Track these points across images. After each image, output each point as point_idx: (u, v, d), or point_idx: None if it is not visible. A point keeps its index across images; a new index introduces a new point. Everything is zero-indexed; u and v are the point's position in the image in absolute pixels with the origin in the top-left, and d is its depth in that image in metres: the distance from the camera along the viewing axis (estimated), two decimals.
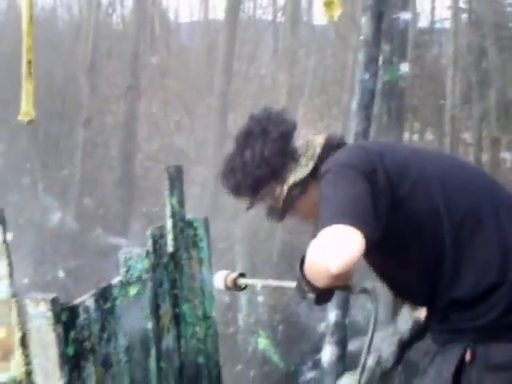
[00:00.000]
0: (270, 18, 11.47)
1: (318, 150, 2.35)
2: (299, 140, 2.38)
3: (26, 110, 3.27)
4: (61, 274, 5.19)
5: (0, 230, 2.72)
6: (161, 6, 9.51)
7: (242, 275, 2.90)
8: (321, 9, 3.35)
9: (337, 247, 1.97)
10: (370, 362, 2.44)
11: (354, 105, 3.44)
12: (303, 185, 2.34)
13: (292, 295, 4.10)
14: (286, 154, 2.35)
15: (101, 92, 5.75)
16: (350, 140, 3.53)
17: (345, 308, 3.32)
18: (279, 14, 10.71)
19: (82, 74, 5.68)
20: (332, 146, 2.38)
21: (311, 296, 2.26)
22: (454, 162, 2.34)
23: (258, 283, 2.88)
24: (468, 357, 2.10)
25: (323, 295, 2.27)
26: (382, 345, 2.47)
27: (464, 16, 11.96)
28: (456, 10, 9.77)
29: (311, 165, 2.34)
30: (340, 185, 2.13)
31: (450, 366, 2.13)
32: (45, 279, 4.82)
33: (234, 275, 2.89)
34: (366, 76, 3.46)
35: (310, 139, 2.40)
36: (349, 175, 2.13)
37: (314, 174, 2.33)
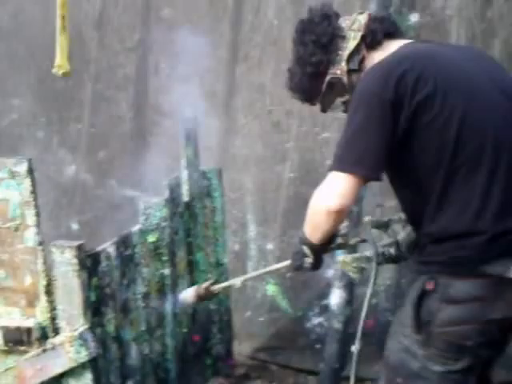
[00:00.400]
0: None
1: (364, 21, 2.42)
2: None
3: (61, 63, 3.38)
4: (75, 226, 5.29)
5: (28, 181, 2.86)
6: None
7: (214, 283, 3.00)
8: None
9: (334, 192, 2.21)
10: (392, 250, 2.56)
11: None
12: (359, 55, 2.40)
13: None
14: (334, 33, 2.42)
15: (110, 46, 5.81)
16: None
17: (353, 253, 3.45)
18: None
19: (90, 27, 5.71)
20: (377, 19, 2.46)
21: (309, 261, 2.45)
22: (481, 78, 2.31)
23: (235, 282, 2.93)
24: (429, 287, 2.29)
25: (320, 256, 2.47)
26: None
27: None
28: None
29: (359, 35, 2.40)
30: (358, 118, 2.23)
31: (413, 293, 2.33)
32: (59, 232, 4.93)
33: (206, 284, 2.98)
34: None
35: (353, 16, 2.46)
36: (370, 106, 2.21)
37: (369, 43, 2.40)
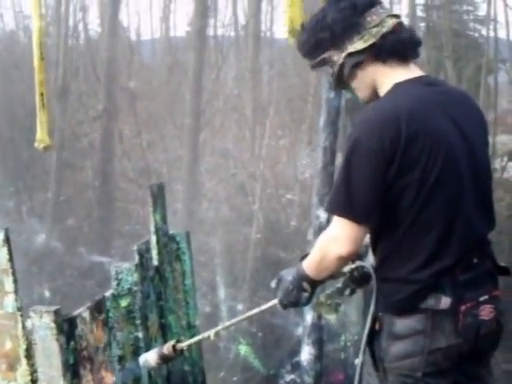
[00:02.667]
0: (232, 34, 11.57)
1: (385, 30, 2.43)
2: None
3: (41, 137, 3.54)
4: (46, 293, 5.33)
5: (5, 249, 2.93)
6: (123, 25, 9.67)
7: (178, 341, 2.93)
8: (284, 33, 3.55)
9: (345, 239, 2.34)
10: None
11: (322, 121, 3.66)
12: (359, 58, 2.44)
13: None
14: (350, 25, 2.45)
15: (74, 115, 5.93)
16: (319, 154, 3.74)
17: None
18: (241, 32, 10.85)
19: (54, 98, 5.83)
20: (399, 34, 2.45)
21: (306, 295, 2.54)
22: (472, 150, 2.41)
23: (209, 334, 2.85)
24: (377, 327, 2.45)
25: (315, 289, 2.55)
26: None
27: (422, 25, 12.17)
28: (414, 20, 9.87)
29: (371, 41, 2.42)
30: (355, 169, 2.32)
31: (365, 332, 2.49)
32: (32, 299, 4.96)
33: (169, 344, 2.92)
34: (332, 94, 3.67)
35: (382, 18, 2.46)
36: (367, 161, 2.31)
37: (374, 53, 2.43)
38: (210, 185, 5.25)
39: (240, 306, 4.62)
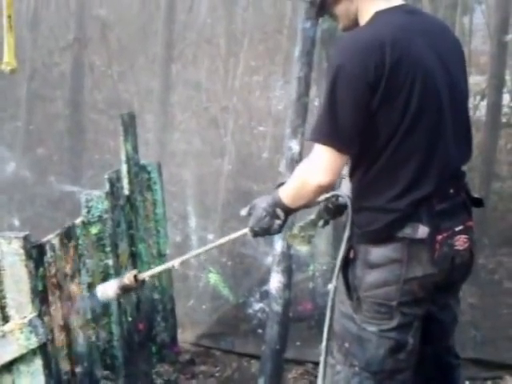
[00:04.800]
0: None
1: None
2: None
3: (8, 60, 3.49)
4: (16, 222, 5.32)
5: None
6: None
7: (139, 272, 2.83)
8: None
9: (325, 169, 2.34)
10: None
11: (297, 51, 3.61)
12: None
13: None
14: None
15: (45, 45, 5.84)
16: (293, 85, 3.71)
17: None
18: None
19: (25, 28, 5.74)
20: None
21: (278, 223, 2.54)
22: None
23: (172, 263, 2.77)
24: (351, 255, 2.49)
25: (287, 218, 2.56)
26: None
27: None
28: None
29: None
30: (337, 95, 2.31)
31: (339, 262, 2.51)
32: (2, 229, 4.95)
33: (129, 275, 2.80)
34: (307, 24, 3.62)
35: None
36: (350, 86, 2.30)
37: None
38: (181, 117, 5.21)
39: (210, 236, 4.65)
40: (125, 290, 2.80)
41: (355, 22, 2.51)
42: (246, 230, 2.66)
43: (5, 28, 3.44)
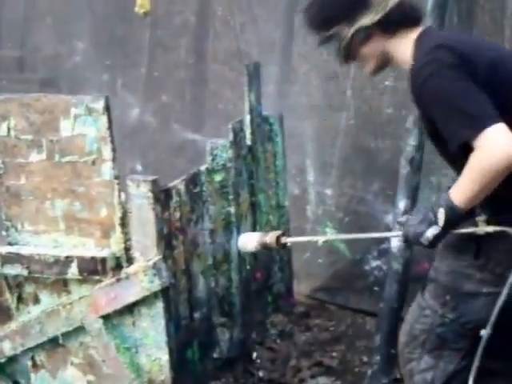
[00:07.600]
0: None
1: (391, 4, 2.45)
2: None
3: (141, 2, 3.54)
4: (138, 167, 5.44)
5: (105, 118, 2.97)
6: None
7: (283, 234, 2.69)
8: None
9: (496, 142, 2.15)
10: None
11: (429, 5, 3.53)
12: (367, 32, 2.46)
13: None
14: (359, 0, 2.46)
15: None
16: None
17: (414, 198, 3.50)
18: None
19: None
20: (404, 9, 2.46)
21: (434, 231, 2.26)
22: None
23: (318, 238, 2.64)
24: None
25: (449, 229, 2.30)
26: None
27: None
28: None
29: (379, 16, 2.44)
30: (454, 88, 2.24)
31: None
32: (124, 173, 5.07)
33: (273, 234, 2.68)
34: None
35: None
36: (455, 76, 2.24)
37: (382, 27, 2.45)
38: (303, 69, 5.14)
39: (328, 191, 4.61)
40: (264, 247, 2.71)
41: (387, 61, 2.52)
42: (399, 233, 2.48)
43: None
